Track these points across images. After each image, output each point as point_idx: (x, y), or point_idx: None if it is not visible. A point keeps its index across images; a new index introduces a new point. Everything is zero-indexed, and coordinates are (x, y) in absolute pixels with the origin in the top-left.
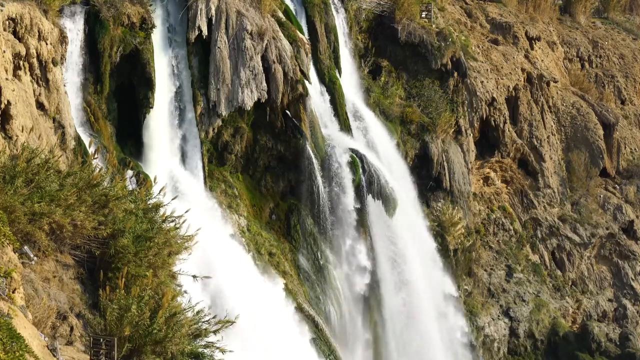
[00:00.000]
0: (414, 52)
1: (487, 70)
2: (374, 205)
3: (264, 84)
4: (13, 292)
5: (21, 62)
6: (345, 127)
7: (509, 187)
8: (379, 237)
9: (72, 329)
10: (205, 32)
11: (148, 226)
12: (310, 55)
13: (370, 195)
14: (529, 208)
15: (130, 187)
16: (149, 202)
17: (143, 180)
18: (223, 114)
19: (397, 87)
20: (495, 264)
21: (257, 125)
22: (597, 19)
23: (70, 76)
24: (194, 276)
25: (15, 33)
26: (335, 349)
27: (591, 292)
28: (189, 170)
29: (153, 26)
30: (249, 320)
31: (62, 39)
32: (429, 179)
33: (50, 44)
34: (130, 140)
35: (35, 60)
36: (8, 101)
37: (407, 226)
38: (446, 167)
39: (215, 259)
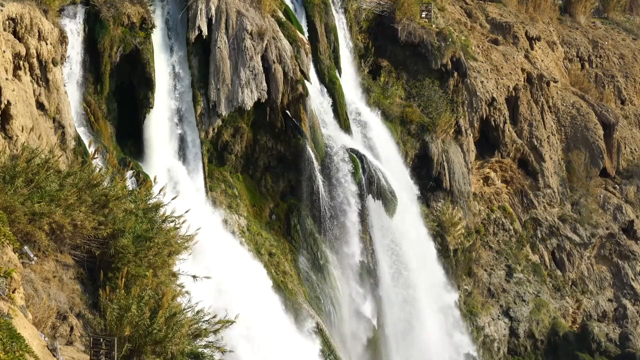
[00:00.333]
0: (414, 52)
1: (487, 70)
2: (374, 205)
3: (264, 84)
4: (13, 292)
5: (21, 62)
6: (345, 127)
7: (509, 187)
8: (379, 237)
9: (72, 329)
10: (205, 32)
11: (148, 226)
12: (310, 55)
13: (370, 195)
14: (529, 208)
15: (130, 187)
16: (149, 202)
17: (143, 180)
18: (223, 114)
19: (397, 87)
20: (495, 264)
21: (257, 125)
22: (597, 19)
23: (70, 76)
24: (194, 276)
25: (15, 33)
26: (335, 349)
27: (591, 292)
28: (189, 170)
29: (153, 26)
30: None
31: (62, 39)
32: (429, 179)
33: (50, 44)
34: (130, 140)
35: (35, 60)
36: (8, 101)
37: (407, 226)
38: (446, 167)
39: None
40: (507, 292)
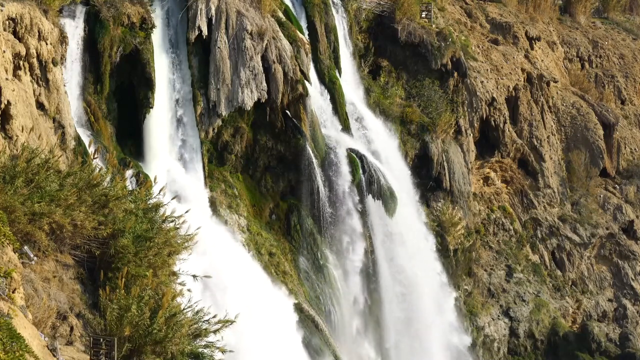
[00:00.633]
0: (414, 52)
1: (487, 70)
2: (374, 205)
3: (264, 84)
4: (13, 292)
5: (21, 62)
6: (345, 127)
7: (509, 187)
8: (379, 237)
9: (72, 329)
10: (205, 32)
11: (148, 226)
12: (310, 55)
13: (370, 195)
14: (529, 208)
15: (130, 187)
16: (149, 202)
17: (143, 180)
18: (223, 114)
19: (397, 87)
20: (495, 264)
21: (257, 125)
22: (597, 19)
23: (70, 76)
24: (194, 276)
25: (15, 33)
26: (335, 349)
27: (591, 292)
28: (189, 170)
29: (153, 26)
30: None
31: (62, 39)
32: (429, 179)
33: (50, 44)
34: (130, 140)
35: (35, 60)
36: (8, 101)
37: (407, 226)
38: (446, 167)
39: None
40: (507, 292)
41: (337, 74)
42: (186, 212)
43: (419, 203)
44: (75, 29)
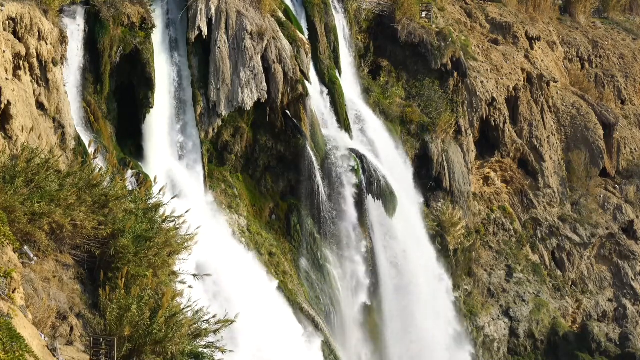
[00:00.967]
0: (414, 52)
1: (487, 70)
2: (374, 205)
3: (264, 84)
4: (13, 292)
5: (21, 62)
6: (345, 127)
7: (509, 187)
8: (379, 237)
9: (72, 329)
10: (205, 32)
11: (148, 226)
12: (310, 55)
13: (370, 195)
14: (529, 208)
15: (130, 187)
16: (149, 202)
17: (143, 180)
18: (223, 114)
19: (397, 87)
20: (495, 264)
21: (257, 125)
22: (597, 19)
23: (70, 76)
24: (195, 275)
25: (15, 33)
26: (335, 349)
27: (591, 292)
28: (189, 170)
29: (153, 26)
30: None
31: (62, 39)
32: (429, 179)
33: (50, 44)
34: (130, 140)
35: (35, 60)
36: (8, 101)
37: (407, 226)
38: (446, 167)
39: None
40: (507, 292)
41: (337, 74)
42: (186, 212)
43: (419, 203)
44: (75, 29)
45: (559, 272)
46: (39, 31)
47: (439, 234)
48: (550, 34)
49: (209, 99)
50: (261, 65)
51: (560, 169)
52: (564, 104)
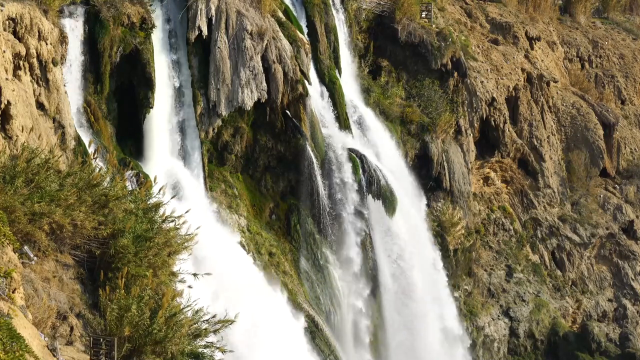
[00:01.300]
0: (414, 52)
1: (487, 70)
2: (374, 205)
3: (264, 84)
4: (13, 292)
5: (21, 62)
6: (345, 127)
7: (509, 187)
8: (379, 237)
9: (72, 329)
10: (205, 32)
11: (148, 226)
12: (310, 55)
13: (370, 195)
14: (529, 208)
15: (130, 187)
16: (149, 202)
17: (143, 180)
18: (223, 114)
19: (397, 87)
20: (495, 264)
21: (257, 125)
22: (597, 19)
23: (70, 76)
24: (195, 274)
25: (15, 33)
26: (335, 349)
27: (591, 292)
28: (189, 170)
29: (153, 26)
30: None
31: (62, 39)
32: (429, 179)
33: (50, 44)
34: (130, 140)
35: (35, 60)
36: (8, 101)
37: (407, 226)
38: (446, 167)
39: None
40: (507, 292)
41: (337, 74)
42: (186, 212)
43: (418, 203)
44: (75, 29)
45: (559, 272)
46: (39, 31)
47: (439, 234)
48: (550, 34)
49: (209, 99)
50: (261, 65)
51: (560, 169)
52: (564, 104)
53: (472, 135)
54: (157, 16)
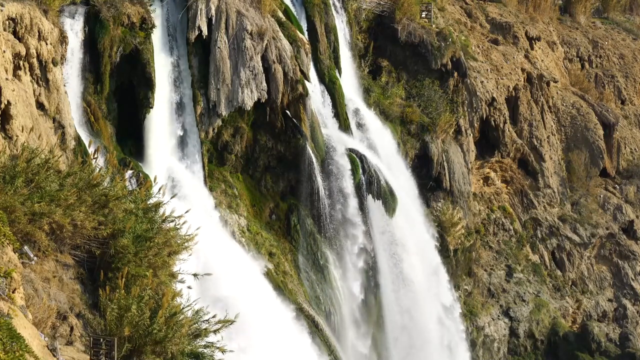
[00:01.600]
0: (414, 52)
1: (487, 70)
2: (374, 205)
3: (264, 84)
4: (13, 292)
5: (21, 62)
6: (345, 127)
7: (509, 187)
8: (379, 237)
9: (72, 329)
10: (205, 32)
11: (148, 226)
12: (310, 55)
13: (370, 195)
14: (529, 208)
15: (130, 187)
16: (149, 202)
17: (143, 180)
18: (223, 114)
19: (397, 87)
20: (495, 264)
21: (257, 125)
22: (597, 19)
23: (70, 76)
24: (195, 274)
25: (15, 33)
26: (336, 348)
27: (591, 292)
28: (189, 170)
29: (153, 26)
30: None
31: (62, 39)
32: (429, 179)
33: (50, 44)
34: (130, 140)
35: (35, 60)
36: (8, 101)
37: (407, 226)
38: (446, 167)
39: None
40: (507, 292)
41: (337, 74)
42: (186, 212)
43: (419, 203)
44: (75, 29)
45: (559, 272)
46: (39, 31)
47: (439, 234)
48: (550, 34)
49: (209, 99)
50: (261, 65)
51: (560, 169)
52: (564, 104)
53: (472, 135)
54: (157, 16)
